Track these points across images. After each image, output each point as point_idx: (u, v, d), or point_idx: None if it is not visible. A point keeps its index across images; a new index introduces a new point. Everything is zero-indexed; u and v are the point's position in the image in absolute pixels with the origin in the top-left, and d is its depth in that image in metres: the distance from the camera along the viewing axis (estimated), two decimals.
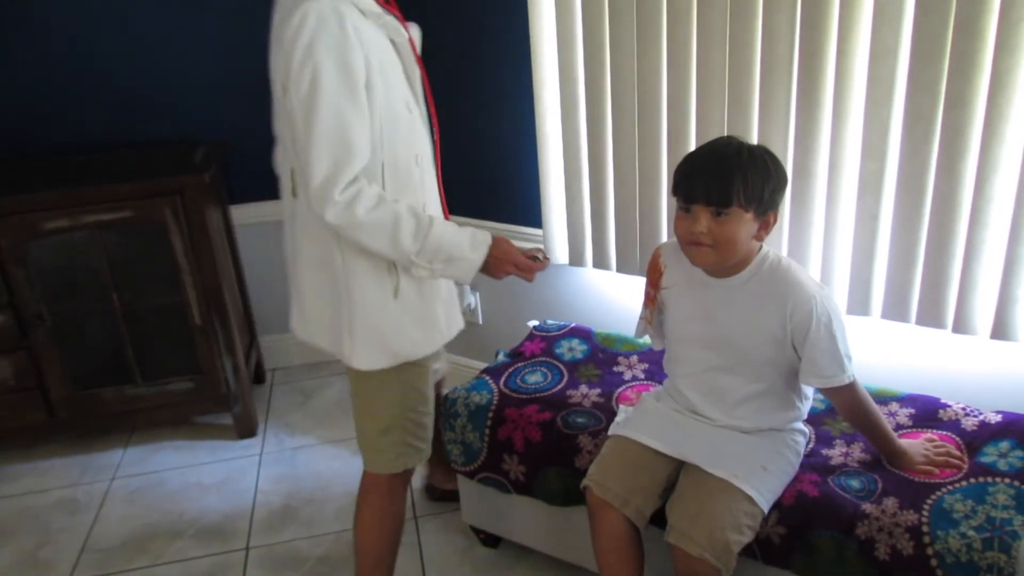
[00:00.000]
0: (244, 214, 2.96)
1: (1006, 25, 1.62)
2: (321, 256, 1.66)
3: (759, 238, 1.59)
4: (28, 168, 2.74)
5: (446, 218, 1.78)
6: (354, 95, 1.49)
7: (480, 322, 2.82)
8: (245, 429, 2.82)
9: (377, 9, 1.56)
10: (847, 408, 1.67)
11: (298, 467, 2.63)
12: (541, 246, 1.61)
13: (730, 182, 1.49)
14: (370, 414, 1.77)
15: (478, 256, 1.62)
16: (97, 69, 2.77)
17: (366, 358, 1.68)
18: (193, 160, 2.67)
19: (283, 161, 1.67)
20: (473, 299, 2.78)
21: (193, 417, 2.91)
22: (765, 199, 1.52)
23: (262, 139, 2.78)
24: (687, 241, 1.57)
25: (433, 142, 1.75)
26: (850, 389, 1.62)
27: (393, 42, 1.61)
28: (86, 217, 2.48)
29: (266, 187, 2.91)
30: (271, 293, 3.10)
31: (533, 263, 1.68)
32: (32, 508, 2.55)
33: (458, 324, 1.84)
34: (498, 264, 1.66)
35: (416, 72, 1.67)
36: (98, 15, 2.71)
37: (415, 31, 1.70)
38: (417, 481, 2.48)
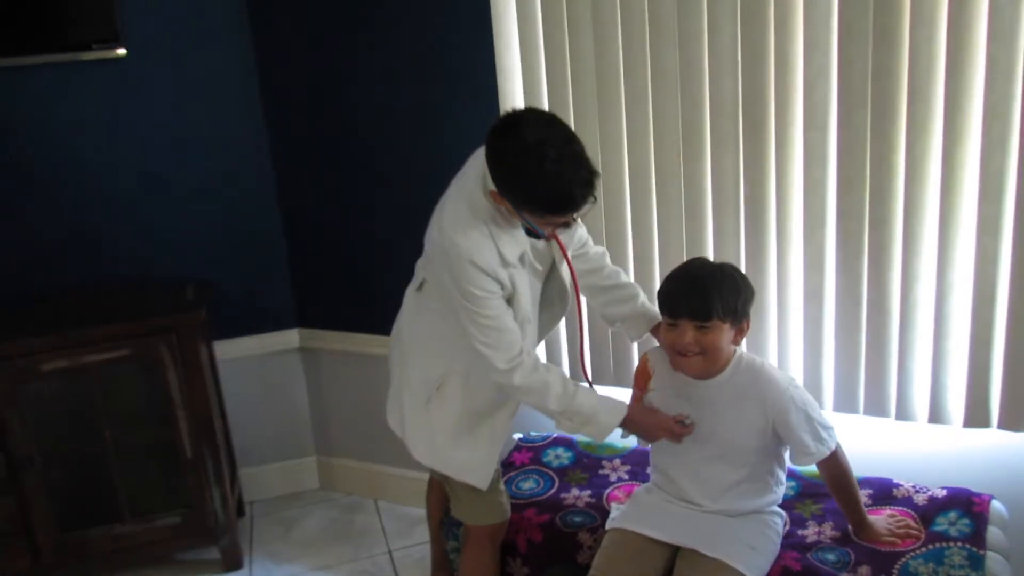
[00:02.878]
0: (225, 349, 3.10)
1: (912, 160, 1.98)
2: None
3: (735, 342, 1.86)
4: (25, 311, 2.83)
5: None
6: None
7: None
8: (232, 561, 2.85)
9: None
10: (832, 476, 1.90)
11: None
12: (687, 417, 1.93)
13: (709, 299, 1.77)
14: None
15: (612, 421, 1.90)
16: (83, 212, 2.89)
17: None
18: (185, 298, 2.82)
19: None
20: None
21: (176, 554, 2.92)
22: (739, 310, 1.81)
23: (242, 278, 3.01)
24: (676, 352, 1.84)
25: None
26: (835, 457, 1.87)
27: None
28: (86, 357, 2.58)
29: (247, 323, 3.10)
30: (249, 426, 3.20)
31: (682, 428, 1.90)
32: None
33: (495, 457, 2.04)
34: (649, 429, 1.93)
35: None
36: (85, 164, 2.85)
37: None
38: None
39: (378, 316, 2.94)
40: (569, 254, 1.98)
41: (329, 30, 2.75)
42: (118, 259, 2.95)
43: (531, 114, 1.73)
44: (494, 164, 1.72)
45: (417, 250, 2.01)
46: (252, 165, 2.99)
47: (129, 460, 2.73)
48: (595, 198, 1.72)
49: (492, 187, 1.74)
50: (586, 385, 1.96)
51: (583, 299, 2.18)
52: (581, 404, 1.87)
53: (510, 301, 1.85)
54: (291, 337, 3.17)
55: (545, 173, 1.65)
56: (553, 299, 2.04)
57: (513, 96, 2.48)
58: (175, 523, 2.77)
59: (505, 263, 1.80)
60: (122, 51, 2.73)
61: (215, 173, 2.96)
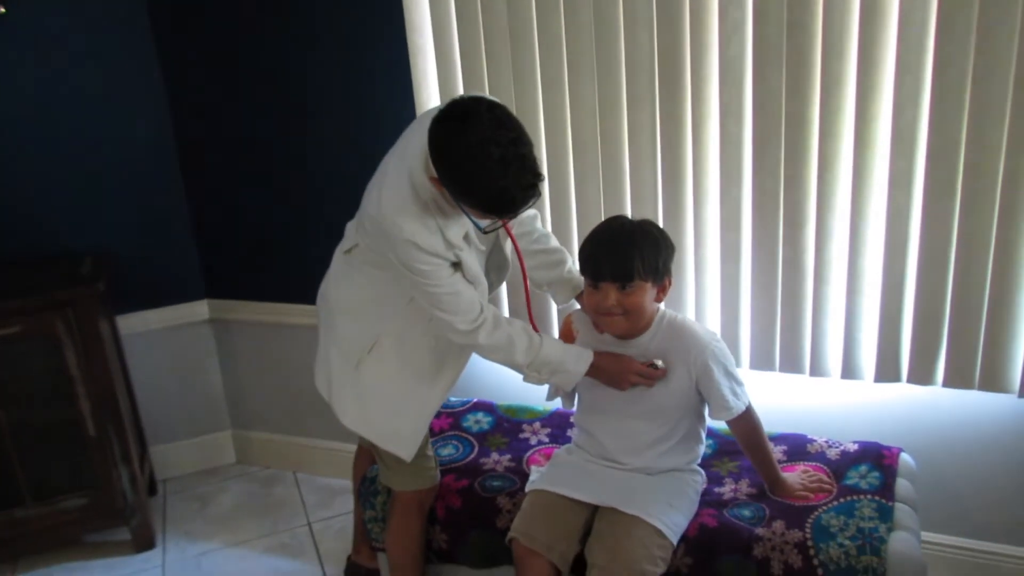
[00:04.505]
0: (129, 323, 2.96)
1: (827, 115, 1.98)
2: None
3: (659, 300, 1.85)
4: None
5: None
6: None
7: None
8: (144, 541, 2.75)
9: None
10: (745, 434, 1.91)
11: (205, 573, 2.60)
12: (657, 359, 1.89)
13: (630, 259, 1.75)
14: None
15: (580, 368, 1.88)
16: None
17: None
18: (81, 271, 2.68)
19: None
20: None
21: (84, 536, 2.80)
22: (660, 268, 1.79)
23: (144, 249, 2.87)
24: (599, 313, 1.80)
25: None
26: (748, 414, 1.88)
27: None
28: None
29: (151, 295, 2.97)
30: (160, 402, 3.08)
31: (653, 371, 1.87)
32: None
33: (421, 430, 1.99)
34: (619, 376, 1.88)
35: None
36: None
37: None
38: (339, 567, 2.52)
39: (292, 285, 2.85)
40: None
41: None
42: (7, 231, 2.78)
43: (479, 108, 1.60)
44: (435, 155, 1.64)
45: (332, 214, 1.93)
46: (149, 127, 2.85)
47: (29, 441, 2.60)
48: (539, 196, 1.66)
49: (434, 174, 1.67)
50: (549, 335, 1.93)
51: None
52: (548, 354, 1.86)
53: (456, 267, 1.80)
54: (200, 309, 3.05)
55: (487, 176, 1.58)
56: (490, 271, 2.00)
57: (424, 49, 2.40)
58: (81, 505, 2.66)
59: (449, 245, 1.75)
60: (1, 9, 2.56)
61: (109, 137, 2.81)
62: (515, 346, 1.84)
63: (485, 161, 1.56)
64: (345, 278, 1.96)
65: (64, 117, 2.75)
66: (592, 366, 1.88)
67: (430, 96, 2.47)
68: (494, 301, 2.49)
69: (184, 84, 2.81)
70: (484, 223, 1.74)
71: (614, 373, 1.89)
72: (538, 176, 1.62)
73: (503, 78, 2.30)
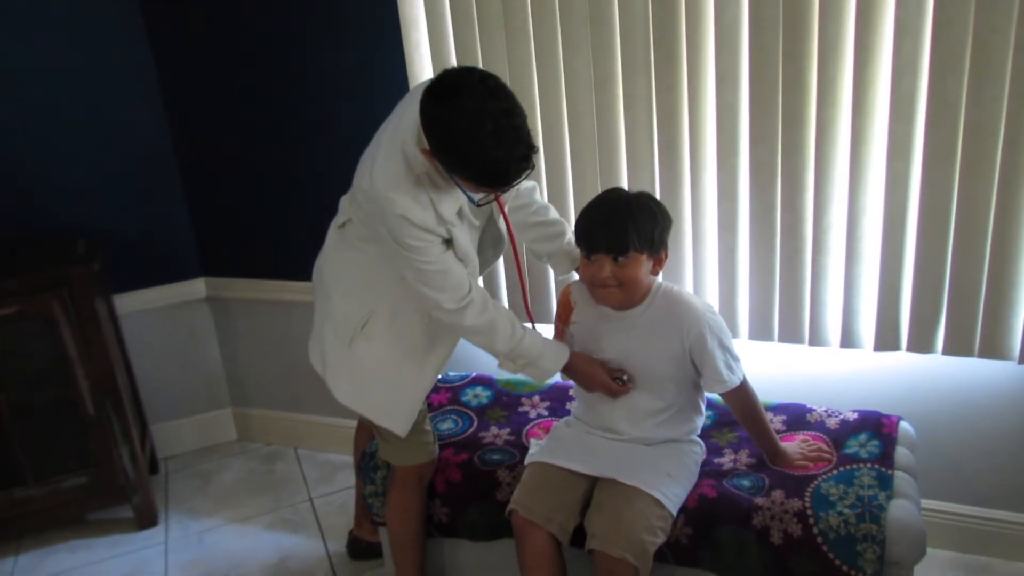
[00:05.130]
0: (127, 303, 2.95)
1: (824, 82, 1.95)
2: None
3: (655, 273, 1.84)
4: None
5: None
6: None
7: None
8: (146, 519, 2.76)
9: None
10: (741, 407, 1.90)
11: (208, 549, 2.61)
12: (624, 373, 1.91)
13: (625, 232, 1.74)
14: None
15: (553, 366, 1.90)
16: None
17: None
18: (76, 251, 2.67)
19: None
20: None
21: (86, 515, 2.81)
22: (656, 240, 1.78)
23: (140, 228, 2.86)
24: (594, 284, 1.80)
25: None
26: (743, 388, 1.87)
27: None
28: None
29: (148, 274, 2.96)
30: (159, 381, 3.08)
31: (619, 387, 1.90)
32: None
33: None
34: (587, 380, 1.93)
35: None
36: None
37: None
38: (341, 542, 2.53)
39: (289, 261, 2.84)
40: (506, 205, 1.93)
41: None
42: (1, 212, 2.76)
43: (471, 78, 1.57)
44: (428, 127, 1.61)
45: (328, 189, 1.91)
46: (143, 104, 2.82)
47: (29, 421, 2.60)
48: (532, 167, 1.63)
49: (427, 146, 1.65)
50: (531, 327, 1.93)
51: (522, 246, 2.12)
52: (527, 347, 1.86)
53: (448, 244, 1.79)
54: (197, 287, 3.03)
55: (480, 148, 1.55)
56: (487, 246, 1.99)
57: (416, 21, 2.37)
58: (82, 483, 2.66)
59: (442, 220, 1.74)
60: None
61: (102, 115, 2.78)
62: (497, 332, 1.84)
63: (478, 133, 1.54)
64: (339, 254, 1.95)
65: (57, 96, 2.72)
66: (567, 365, 1.90)
67: (423, 68, 2.44)
68: (492, 279, 2.48)
69: (177, 61, 2.78)
70: (478, 196, 1.72)
71: (585, 376, 1.93)
72: (532, 147, 1.60)
73: (496, 49, 2.27)
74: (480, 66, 2.28)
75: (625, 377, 1.90)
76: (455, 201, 1.76)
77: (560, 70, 2.21)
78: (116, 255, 2.87)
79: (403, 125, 1.73)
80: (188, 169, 2.91)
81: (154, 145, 2.87)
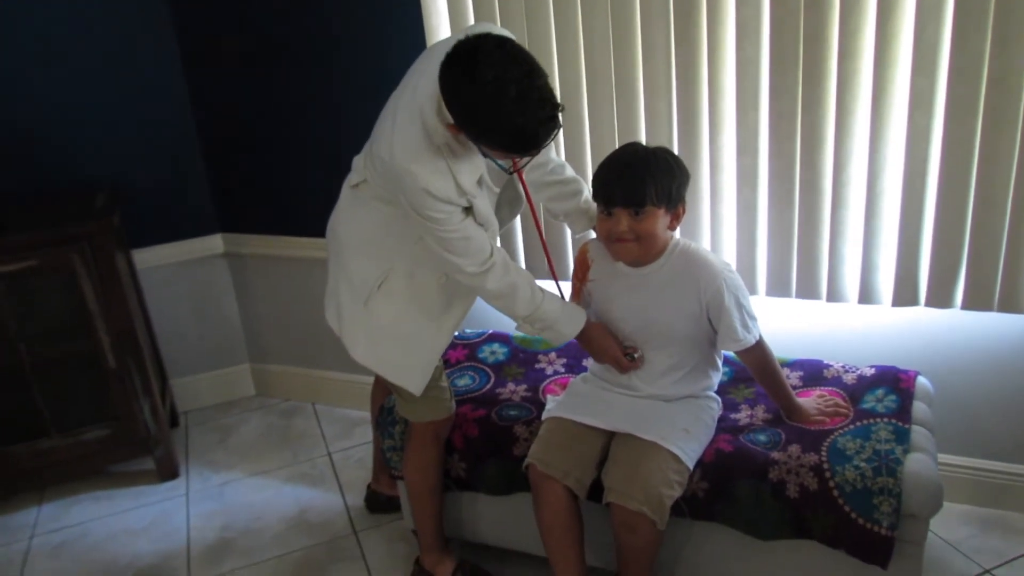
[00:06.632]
0: (145, 258, 2.97)
1: (846, 34, 1.92)
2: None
3: (672, 228, 1.83)
4: None
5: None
6: None
7: None
8: (167, 471, 2.81)
9: None
10: (757, 365, 1.90)
11: (228, 501, 2.66)
12: (636, 351, 1.92)
13: (643, 185, 1.72)
14: None
15: (570, 331, 1.91)
16: None
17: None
18: (95, 205, 2.68)
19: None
20: None
21: (108, 467, 2.86)
22: (673, 195, 1.77)
23: (157, 183, 2.86)
24: (611, 239, 1.79)
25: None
26: (759, 347, 1.86)
27: None
28: None
29: (166, 230, 2.97)
30: (178, 336, 3.11)
31: (629, 362, 1.91)
32: None
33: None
34: (599, 351, 1.94)
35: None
36: None
37: None
38: (359, 495, 2.57)
39: (306, 218, 2.84)
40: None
41: None
42: (19, 165, 2.77)
43: (487, 45, 1.53)
44: (449, 98, 1.58)
45: (343, 147, 1.90)
46: (160, 59, 2.81)
47: (50, 374, 2.64)
48: (560, 126, 1.61)
49: (450, 120, 1.62)
50: (552, 292, 1.93)
51: (539, 205, 2.11)
52: (546, 312, 1.87)
53: (468, 211, 1.78)
54: (215, 243, 3.05)
55: (506, 113, 1.52)
56: (503, 206, 1.98)
57: None
58: (104, 436, 2.71)
59: (462, 192, 1.72)
60: None
61: (120, 70, 2.78)
62: (518, 296, 1.84)
63: (501, 101, 1.52)
64: (353, 213, 1.94)
65: (74, 51, 2.71)
66: (582, 331, 1.90)
67: (440, 24, 2.41)
68: (510, 240, 2.47)
69: (195, 17, 2.76)
70: (507, 163, 1.71)
71: (597, 347, 1.93)
72: (556, 106, 1.57)
73: (514, 5, 2.23)
74: (498, 18, 2.26)
75: (636, 355, 1.91)
76: (476, 169, 1.74)
77: (579, 23, 2.19)
78: (134, 211, 2.88)
79: (420, 93, 1.69)
80: (206, 125, 2.90)
81: (172, 101, 2.86)
